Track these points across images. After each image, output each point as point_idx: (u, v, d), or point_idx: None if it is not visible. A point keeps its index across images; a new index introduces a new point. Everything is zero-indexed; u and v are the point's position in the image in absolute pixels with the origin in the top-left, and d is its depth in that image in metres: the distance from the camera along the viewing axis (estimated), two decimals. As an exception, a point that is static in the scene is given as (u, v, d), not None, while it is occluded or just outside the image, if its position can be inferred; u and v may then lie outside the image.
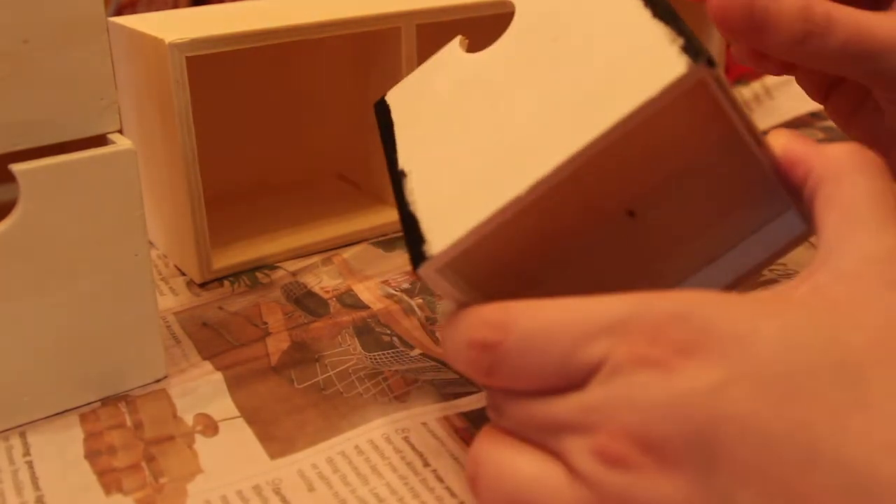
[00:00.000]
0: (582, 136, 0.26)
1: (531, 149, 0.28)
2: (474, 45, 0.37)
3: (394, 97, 0.36)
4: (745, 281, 0.33)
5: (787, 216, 0.31)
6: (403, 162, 0.32)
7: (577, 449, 0.25)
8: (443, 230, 0.28)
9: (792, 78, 0.43)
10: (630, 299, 0.25)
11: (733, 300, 0.24)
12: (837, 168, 0.28)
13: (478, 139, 0.30)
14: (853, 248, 0.25)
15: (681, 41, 0.26)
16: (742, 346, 0.23)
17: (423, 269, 0.27)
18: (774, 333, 0.23)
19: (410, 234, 0.29)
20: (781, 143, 0.30)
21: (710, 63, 0.25)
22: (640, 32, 0.28)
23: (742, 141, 0.29)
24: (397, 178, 0.32)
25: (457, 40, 0.36)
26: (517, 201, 0.27)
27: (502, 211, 0.27)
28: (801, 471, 0.21)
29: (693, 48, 0.25)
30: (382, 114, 0.36)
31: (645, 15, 0.28)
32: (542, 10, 0.33)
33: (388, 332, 0.42)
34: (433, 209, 0.29)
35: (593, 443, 0.24)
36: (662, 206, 0.32)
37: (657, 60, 0.26)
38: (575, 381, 0.25)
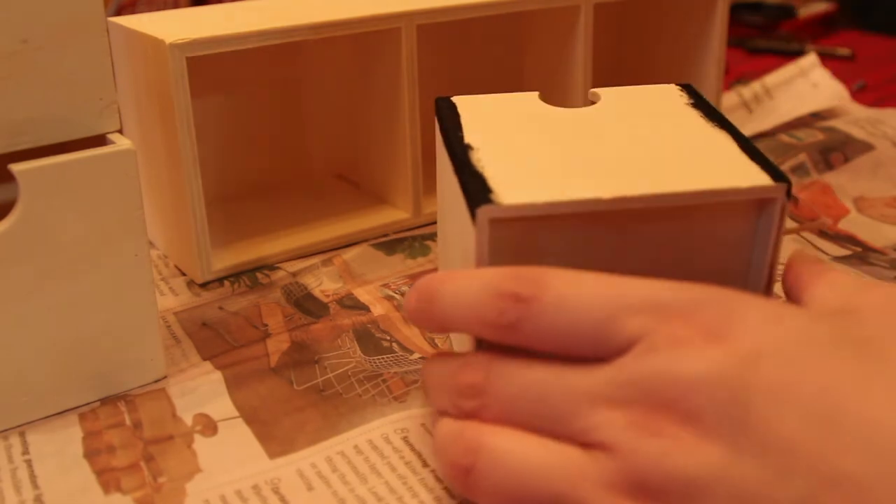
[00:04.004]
0: (676, 185, 0.29)
1: (622, 171, 0.30)
2: (474, 46, 0.37)
3: (459, 100, 0.37)
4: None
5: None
6: (469, 139, 0.33)
7: (609, 422, 0.25)
8: (515, 193, 0.29)
9: (792, 77, 0.43)
10: (668, 283, 0.27)
11: (760, 297, 0.27)
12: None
13: (561, 149, 0.32)
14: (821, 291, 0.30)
15: (764, 166, 0.30)
16: (770, 325, 0.25)
17: (485, 211, 0.28)
18: (799, 317, 0.26)
19: (473, 185, 0.29)
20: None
21: (789, 193, 0.29)
22: (730, 152, 0.32)
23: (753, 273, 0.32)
24: (462, 148, 0.32)
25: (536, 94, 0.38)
26: (597, 203, 0.28)
27: (580, 203, 0.28)
28: (826, 431, 0.23)
29: (779, 174, 0.30)
30: (446, 107, 0.37)
31: (732, 144, 0.32)
32: (624, 107, 0.36)
33: (388, 337, 0.42)
34: (503, 178, 0.30)
35: (630, 416, 0.25)
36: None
37: (747, 171, 0.30)
38: (607, 350, 0.26)
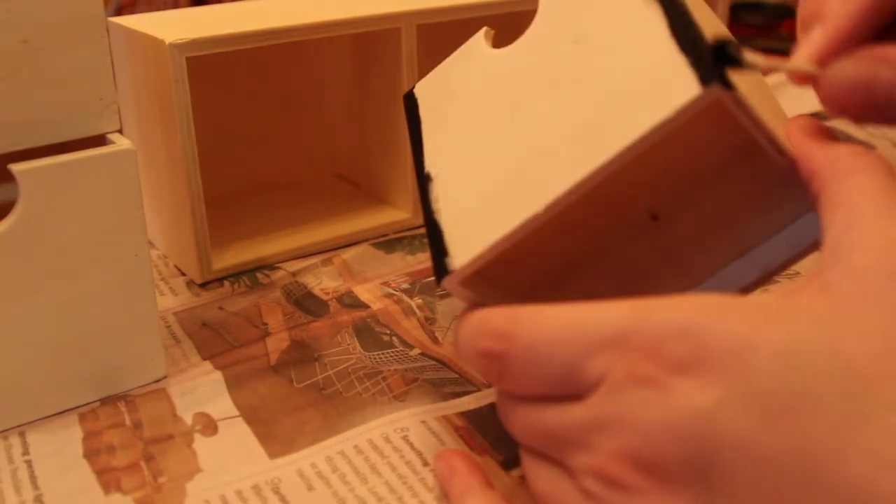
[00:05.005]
0: (597, 156, 0.27)
1: (549, 164, 0.29)
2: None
3: (422, 91, 0.37)
4: (773, 275, 0.33)
5: (814, 214, 0.31)
6: (430, 164, 0.33)
7: (581, 466, 0.25)
8: (464, 243, 0.29)
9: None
10: (631, 311, 0.25)
11: (736, 308, 0.24)
12: (841, 169, 0.27)
13: (500, 147, 0.31)
14: (859, 241, 0.25)
15: (693, 59, 0.25)
16: (741, 361, 0.22)
17: (447, 282, 0.29)
18: (775, 347, 0.22)
19: (434, 245, 0.30)
20: (794, 143, 0.29)
21: (725, 83, 0.25)
22: (657, 46, 0.27)
23: (762, 149, 0.29)
24: (423, 181, 0.33)
25: (482, 32, 0.36)
26: (534, 219, 0.28)
27: (520, 228, 0.28)
28: (799, 492, 0.21)
29: (706, 69, 0.25)
30: (411, 109, 0.37)
31: (662, 27, 0.27)
32: (565, 8, 0.32)
33: (388, 331, 0.42)
34: (456, 219, 0.30)
35: (593, 462, 0.25)
36: (687, 208, 0.32)
37: (672, 79, 0.26)
38: (577, 391, 0.26)
